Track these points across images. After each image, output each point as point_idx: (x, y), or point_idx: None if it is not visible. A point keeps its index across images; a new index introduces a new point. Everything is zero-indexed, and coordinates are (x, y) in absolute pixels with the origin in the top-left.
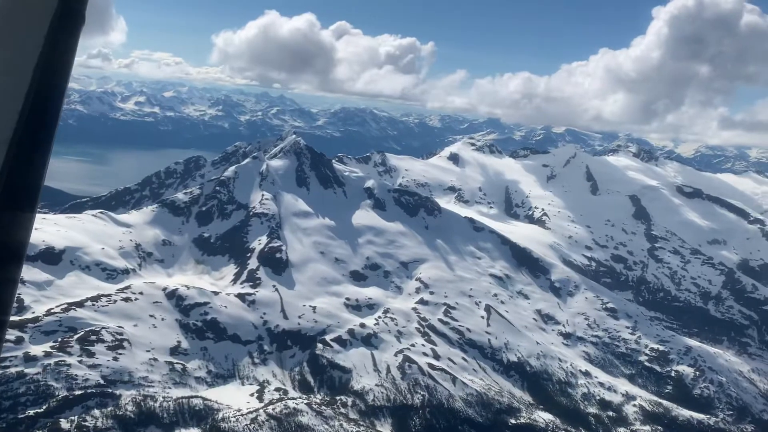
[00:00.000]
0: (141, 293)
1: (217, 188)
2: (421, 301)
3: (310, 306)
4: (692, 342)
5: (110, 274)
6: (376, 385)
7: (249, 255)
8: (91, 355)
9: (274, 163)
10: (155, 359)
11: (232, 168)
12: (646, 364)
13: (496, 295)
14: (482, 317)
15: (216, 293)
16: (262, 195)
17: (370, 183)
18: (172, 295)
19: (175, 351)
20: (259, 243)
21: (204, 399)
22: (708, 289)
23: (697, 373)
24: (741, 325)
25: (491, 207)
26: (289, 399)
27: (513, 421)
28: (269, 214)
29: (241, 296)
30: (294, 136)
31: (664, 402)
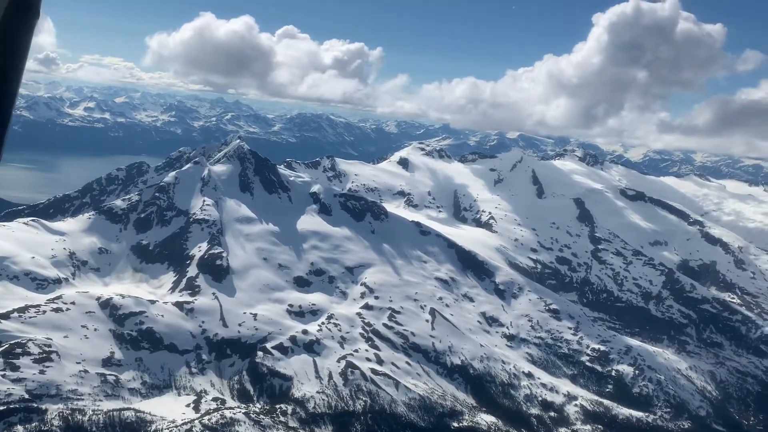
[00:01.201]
0: (73, 303)
1: (157, 194)
2: (366, 306)
3: (251, 313)
4: (633, 341)
5: (40, 284)
6: (318, 392)
7: (188, 262)
8: (16, 368)
9: (216, 168)
10: (86, 371)
11: (173, 173)
12: (588, 364)
13: (441, 298)
14: (427, 321)
15: (153, 302)
16: (203, 201)
17: (315, 188)
18: (107, 305)
19: (107, 362)
20: (199, 250)
21: (137, 411)
22: (649, 289)
23: (637, 372)
24: (680, 323)
25: (440, 211)
26: (226, 409)
27: (455, 424)
28: (210, 221)
29: (179, 304)
30: (239, 140)
31: (605, 401)
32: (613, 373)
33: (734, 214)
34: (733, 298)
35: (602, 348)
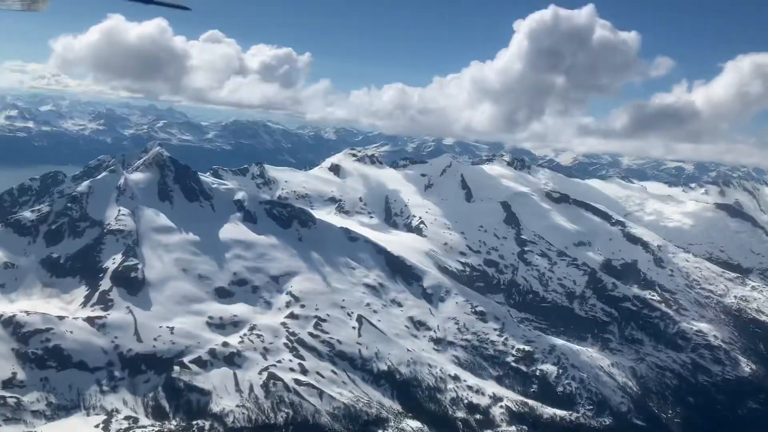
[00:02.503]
0: None
1: (69, 204)
2: (291, 315)
3: (168, 327)
4: (557, 341)
5: None
6: (237, 405)
7: (102, 275)
8: None
9: (134, 177)
10: None
11: (86, 182)
12: (513, 364)
13: (369, 304)
14: (354, 328)
15: (62, 318)
16: (119, 210)
17: (240, 195)
18: (9, 323)
19: (8, 384)
20: (113, 262)
21: None
22: (573, 289)
23: (560, 370)
24: (603, 322)
25: (372, 217)
26: (138, 427)
27: (381, 431)
28: (126, 231)
29: (90, 320)
30: (158, 147)
31: (530, 401)
32: (538, 373)
33: (655, 213)
34: (653, 296)
35: (527, 348)
